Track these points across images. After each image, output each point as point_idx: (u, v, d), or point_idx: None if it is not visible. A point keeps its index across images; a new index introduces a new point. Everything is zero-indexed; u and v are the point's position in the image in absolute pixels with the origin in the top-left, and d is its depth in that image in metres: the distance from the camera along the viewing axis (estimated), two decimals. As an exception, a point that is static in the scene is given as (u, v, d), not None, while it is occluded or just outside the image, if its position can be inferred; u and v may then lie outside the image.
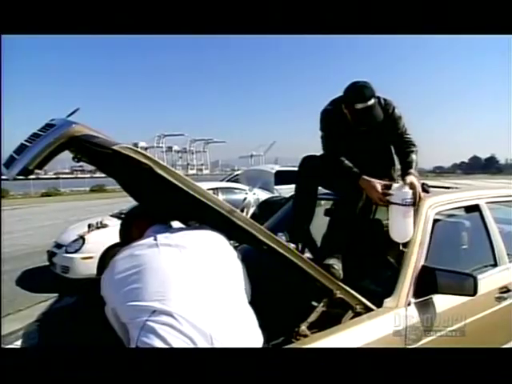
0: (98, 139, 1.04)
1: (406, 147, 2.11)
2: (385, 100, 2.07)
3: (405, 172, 2.01)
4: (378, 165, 2.09)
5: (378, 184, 1.90)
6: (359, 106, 1.90)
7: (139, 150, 1.06)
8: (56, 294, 2.41)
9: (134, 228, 1.47)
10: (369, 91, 1.92)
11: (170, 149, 78.84)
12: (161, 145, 76.29)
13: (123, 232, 1.54)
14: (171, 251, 1.23)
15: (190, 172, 70.29)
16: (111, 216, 5.78)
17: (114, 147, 1.01)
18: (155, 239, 1.26)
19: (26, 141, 1.21)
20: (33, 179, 23.36)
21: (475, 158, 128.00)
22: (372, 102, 1.91)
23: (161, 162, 1.09)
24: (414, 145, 2.12)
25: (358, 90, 1.93)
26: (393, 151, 2.20)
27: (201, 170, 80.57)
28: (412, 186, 1.88)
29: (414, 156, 2.07)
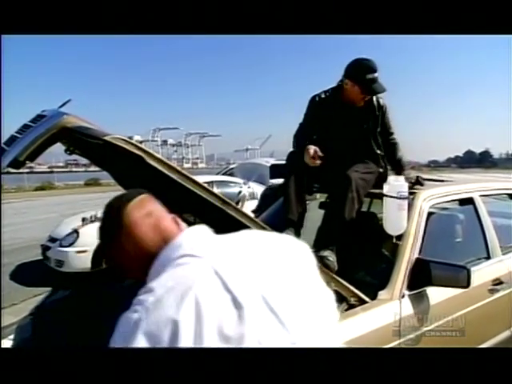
0: (90, 130, 1.02)
1: (394, 149, 2.24)
2: (379, 97, 2.17)
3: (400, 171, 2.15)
4: (359, 154, 2.16)
5: (312, 149, 2.03)
6: (369, 76, 2.01)
7: (130, 140, 1.04)
8: (50, 288, 2.39)
9: (134, 238, 0.79)
10: (375, 64, 2.05)
11: (165, 142, 78.63)
12: (156, 138, 76.02)
13: (110, 247, 0.84)
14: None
15: (186, 166, 70.15)
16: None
17: (106, 138, 1.00)
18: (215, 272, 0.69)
19: (16, 132, 1.19)
20: (26, 173, 23.19)
21: (470, 153, 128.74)
22: (377, 74, 2.04)
23: (153, 153, 1.08)
24: (398, 146, 2.27)
25: (367, 63, 2.05)
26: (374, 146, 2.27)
27: (196, 163, 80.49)
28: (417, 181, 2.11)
29: (402, 158, 2.24)
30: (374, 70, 2.02)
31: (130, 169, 1.27)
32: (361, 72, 2.02)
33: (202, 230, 0.81)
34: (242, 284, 0.68)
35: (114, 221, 0.81)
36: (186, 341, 0.59)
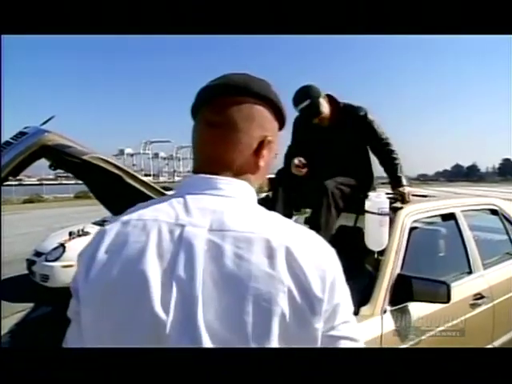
0: (70, 148, 1.03)
1: (391, 158, 2.21)
2: (360, 107, 2.21)
3: (398, 186, 2.16)
4: (348, 170, 2.19)
5: (296, 159, 2.15)
6: (297, 108, 2.10)
7: (109, 159, 1.05)
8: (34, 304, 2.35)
9: None
10: (302, 94, 2.10)
11: (156, 155, 78.33)
12: (147, 151, 75.70)
13: None
14: None
15: (177, 179, 69.88)
16: (93, 223, 5.70)
17: (84, 157, 1.01)
18: None
19: (-2, 149, 1.19)
20: (15, 185, 22.86)
21: (457, 166, 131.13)
22: (307, 102, 2.07)
23: (131, 172, 1.09)
24: (396, 154, 2.23)
25: (295, 95, 2.11)
26: (370, 159, 2.29)
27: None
28: (405, 199, 2.11)
29: (400, 168, 2.20)
30: (300, 101, 2.07)
31: (109, 185, 1.27)
32: (294, 104, 2.11)
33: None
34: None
35: None
36: None
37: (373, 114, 2.23)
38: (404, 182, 2.17)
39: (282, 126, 0.74)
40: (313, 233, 0.65)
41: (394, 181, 2.19)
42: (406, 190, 2.15)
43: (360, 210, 2.13)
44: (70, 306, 0.65)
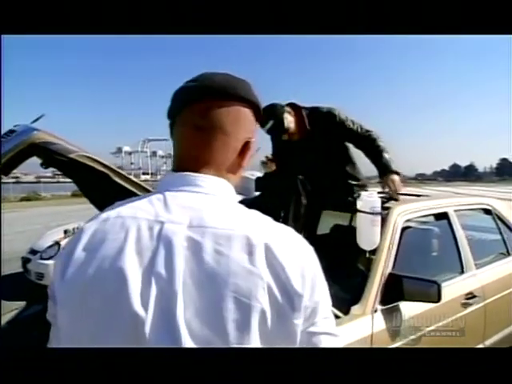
0: (57, 146, 1.03)
1: (373, 147, 2.16)
2: (329, 110, 2.19)
3: (384, 173, 2.10)
4: (332, 172, 2.23)
5: (263, 158, 2.44)
6: (264, 130, 2.09)
7: (96, 157, 1.05)
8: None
9: None
10: (265, 116, 2.03)
11: (154, 154, 78.33)
12: (145, 149, 75.59)
13: None
14: None
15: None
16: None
17: (71, 155, 1.01)
18: None
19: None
20: (12, 183, 22.79)
21: (455, 166, 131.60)
22: (271, 123, 2.07)
23: (118, 170, 1.09)
24: (381, 141, 2.17)
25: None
26: (352, 157, 2.33)
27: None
28: (391, 186, 2.06)
29: (386, 155, 2.13)
30: (265, 123, 2.05)
31: (97, 183, 1.27)
32: (260, 126, 2.08)
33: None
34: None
35: None
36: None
37: (342, 112, 2.18)
38: (391, 168, 2.09)
39: (258, 124, 0.76)
40: (292, 230, 0.66)
41: (381, 168, 2.12)
42: (395, 177, 2.08)
43: (352, 209, 2.14)
44: (48, 309, 0.65)
